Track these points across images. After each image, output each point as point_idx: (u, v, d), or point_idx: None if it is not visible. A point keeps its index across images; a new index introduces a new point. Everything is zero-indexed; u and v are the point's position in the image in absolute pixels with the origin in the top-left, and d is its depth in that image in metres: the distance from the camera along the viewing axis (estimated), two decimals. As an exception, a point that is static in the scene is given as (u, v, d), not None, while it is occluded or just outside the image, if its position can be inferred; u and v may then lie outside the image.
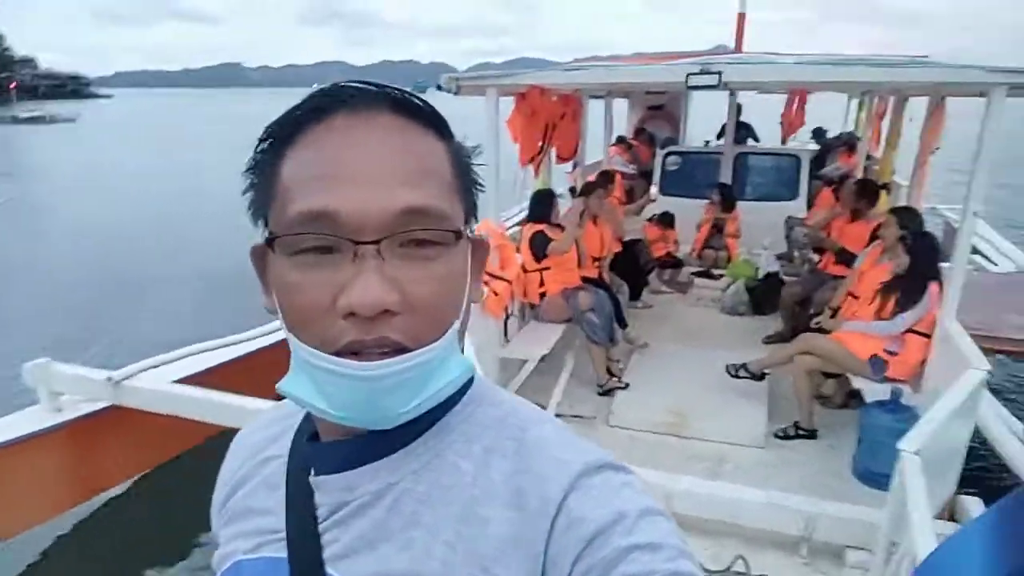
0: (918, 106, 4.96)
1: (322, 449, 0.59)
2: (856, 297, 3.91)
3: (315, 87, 0.52)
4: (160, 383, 3.61)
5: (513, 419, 0.58)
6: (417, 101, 0.52)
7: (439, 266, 0.50)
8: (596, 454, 0.55)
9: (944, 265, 3.51)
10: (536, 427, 0.57)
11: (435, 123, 0.53)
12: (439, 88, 3.68)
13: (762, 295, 5.48)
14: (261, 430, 0.69)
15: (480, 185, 0.58)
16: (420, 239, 0.49)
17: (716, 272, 6.07)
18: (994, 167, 2.97)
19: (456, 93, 3.62)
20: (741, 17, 6.36)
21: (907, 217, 3.78)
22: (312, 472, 0.58)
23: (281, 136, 0.51)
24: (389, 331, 0.48)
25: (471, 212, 0.56)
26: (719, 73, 3.03)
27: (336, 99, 0.50)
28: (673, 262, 6.11)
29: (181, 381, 3.71)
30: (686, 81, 3.11)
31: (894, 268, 3.63)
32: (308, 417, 0.64)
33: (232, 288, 7.59)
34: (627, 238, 5.68)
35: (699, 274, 6.12)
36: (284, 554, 0.56)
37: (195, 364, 3.96)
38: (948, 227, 7.10)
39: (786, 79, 3.17)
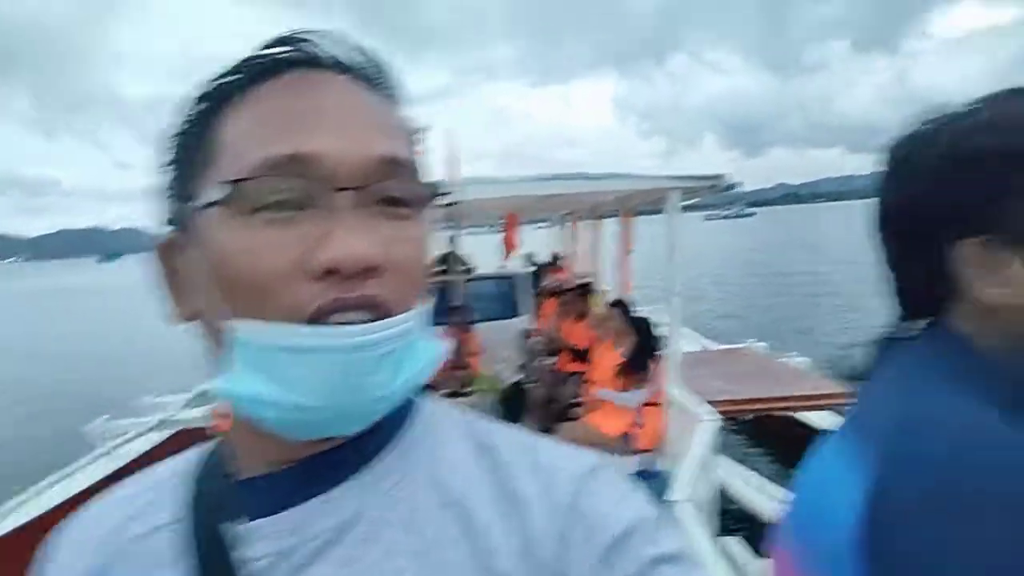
0: (610, 225, 5.89)
1: (253, 486, 0.46)
2: (594, 383, 4.30)
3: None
4: None
5: (477, 427, 0.52)
6: (377, 66, 0.47)
7: (415, 228, 0.45)
8: (587, 454, 0.50)
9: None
10: (506, 433, 0.52)
11: (396, 97, 0.48)
12: None
13: (511, 404, 5.72)
14: (109, 515, 0.52)
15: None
16: (396, 197, 0.44)
17: (465, 390, 6.23)
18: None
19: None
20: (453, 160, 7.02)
21: (624, 307, 4.34)
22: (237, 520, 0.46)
23: (220, 96, 0.44)
24: (374, 290, 0.41)
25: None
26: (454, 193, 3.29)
27: (281, 60, 0.44)
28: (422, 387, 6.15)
29: None
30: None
31: (624, 352, 4.10)
32: (208, 464, 0.51)
33: None
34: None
35: (450, 395, 6.22)
36: None
37: None
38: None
39: (515, 193, 3.56)
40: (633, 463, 3.79)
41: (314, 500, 0.45)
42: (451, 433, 0.51)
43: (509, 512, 0.45)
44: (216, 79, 0.44)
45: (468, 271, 8.77)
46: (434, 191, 0.47)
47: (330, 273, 0.40)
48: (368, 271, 0.41)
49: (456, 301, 7.05)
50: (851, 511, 0.57)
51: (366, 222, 0.42)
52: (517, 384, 5.96)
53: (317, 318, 0.40)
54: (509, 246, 5.96)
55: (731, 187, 3.38)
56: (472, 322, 6.65)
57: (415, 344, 0.45)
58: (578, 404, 4.58)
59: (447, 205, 3.35)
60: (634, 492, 0.48)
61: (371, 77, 0.47)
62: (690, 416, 3.41)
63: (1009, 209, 0.61)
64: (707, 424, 3.12)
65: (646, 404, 3.91)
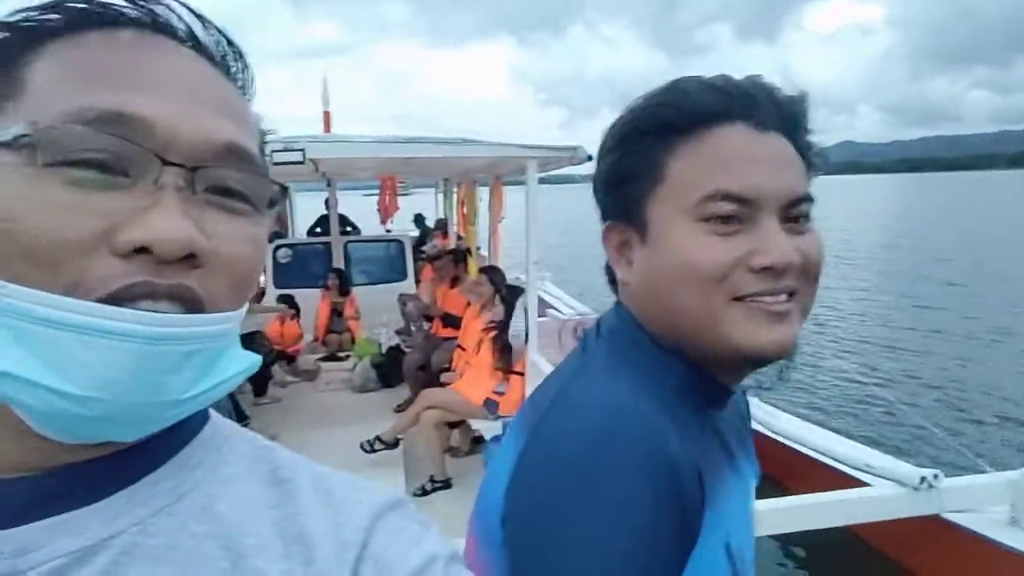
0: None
1: None
2: (464, 349, 4.34)
3: None
4: None
5: (272, 456, 0.48)
6: (235, 53, 0.43)
7: (251, 226, 0.40)
8: (384, 491, 0.48)
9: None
10: (306, 466, 0.48)
11: (249, 91, 0.44)
12: None
13: (388, 368, 5.69)
14: None
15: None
16: (233, 189, 0.39)
17: (342, 354, 6.13)
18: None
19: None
20: (327, 115, 6.75)
21: (494, 274, 4.38)
22: None
23: (30, 32, 0.37)
24: (193, 282, 0.37)
25: None
26: (302, 150, 3.14)
27: (121, 13, 0.38)
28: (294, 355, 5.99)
29: None
30: (271, 158, 3.14)
31: (492, 317, 4.15)
32: None
33: None
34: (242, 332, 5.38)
35: (325, 359, 6.10)
36: None
37: None
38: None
39: (365, 154, 3.46)
40: (495, 428, 3.88)
41: (52, 519, 0.37)
42: (240, 459, 0.46)
43: (291, 552, 0.42)
44: (27, 10, 0.37)
45: (351, 232, 8.59)
46: (276, 194, 0.43)
47: (140, 253, 0.34)
48: (189, 260, 0.36)
49: (335, 264, 6.89)
50: (500, 493, 0.59)
51: (194, 207, 0.37)
52: (394, 349, 5.93)
53: (114, 301, 0.34)
54: (387, 211, 5.85)
55: (589, 158, 3.45)
56: (352, 284, 6.53)
57: (227, 350, 0.40)
58: (450, 369, 4.60)
59: (303, 162, 3.20)
60: (428, 530, 0.47)
61: (226, 62, 0.43)
62: (546, 383, 3.51)
63: (630, 190, 0.64)
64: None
65: (511, 372, 3.99)
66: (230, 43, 0.43)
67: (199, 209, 0.37)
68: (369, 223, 8.95)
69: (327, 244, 7.22)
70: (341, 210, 8.27)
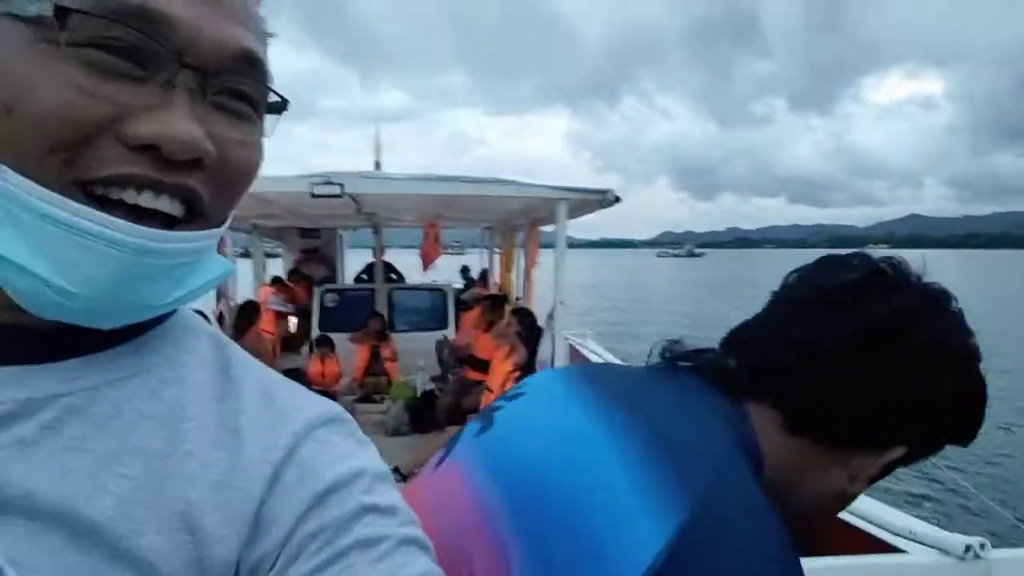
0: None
1: None
2: (492, 391, 4.33)
3: None
4: None
5: (228, 352, 0.50)
6: None
7: (253, 131, 0.42)
8: (327, 405, 0.49)
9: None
10: (258, 369, 0.50)
11: None
12: None
13: (422, 412, 5.69)
14: None
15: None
16: (244, 93, 0.41)
17: (377, 396, 6.17)
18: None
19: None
20: (377, 164, 7.03)
21: (523, 315, 4.39)
22: None
23: None
24: (193, 181, 0.38)
25: None
26: (341, 184, 3.29)
27: None
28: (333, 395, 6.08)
29: None
30: (311, 191, 3.31)
31: (517, 360, 4.14)
32: None
33: None
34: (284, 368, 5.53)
35: (361, 400, 6.16)
36: None
37: None
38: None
39: (401, 190, 3.58)
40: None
41: (7, 368, 0.39)
42: (197, 351, 0.48)
43: (222, 443, 0.43)
44: None
45: (395, 280, 8.77)
46: (280, 101, 0.44)
47: (147, 150, 0.36)
48: (195, 163, 0.37)
49: (378, 307, 7.03)
50: (644, 552, 0.51)
51: (203, 110, 0.38)
52: (429, 394, 5.95)
53: (111, 183, 0.36)
54: (427, 256, 5.95)
55: (618, 200, 3.48)
56: (391, 330, 6.63)
57: (207, 259, 0.42)
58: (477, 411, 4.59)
59: (342, 195, 3.31)
60: (363, 447, 0.48)
61: None
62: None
63: None
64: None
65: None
66: None
67: (207, 112, 0.38)
68: (416, 276, 9.15)
69: (372, 291, 7.38)
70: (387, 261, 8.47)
